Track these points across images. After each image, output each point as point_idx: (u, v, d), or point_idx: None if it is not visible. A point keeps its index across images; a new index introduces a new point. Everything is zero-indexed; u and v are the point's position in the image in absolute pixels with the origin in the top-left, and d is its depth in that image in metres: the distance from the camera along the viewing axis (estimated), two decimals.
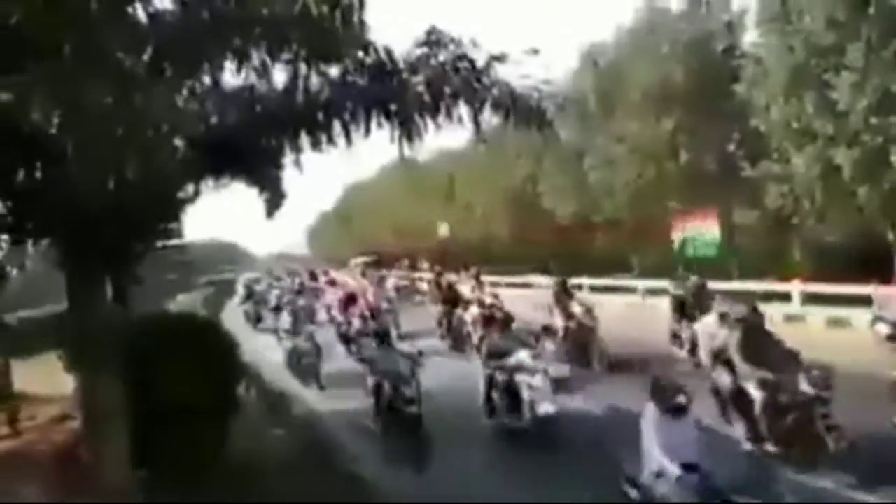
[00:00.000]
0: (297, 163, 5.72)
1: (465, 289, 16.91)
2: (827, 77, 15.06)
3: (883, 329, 11.87)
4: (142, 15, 4.34)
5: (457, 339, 15.19)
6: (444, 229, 35.69)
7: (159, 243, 8.98)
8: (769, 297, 15.70)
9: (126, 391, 5.28)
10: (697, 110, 20.74)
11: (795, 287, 16.43)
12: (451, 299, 16.33)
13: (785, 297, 16.27)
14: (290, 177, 7.35)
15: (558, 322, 12.58)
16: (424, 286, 26.38)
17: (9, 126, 4.50)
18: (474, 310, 14.66)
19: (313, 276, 30.16)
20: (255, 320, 23.12)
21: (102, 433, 5.08)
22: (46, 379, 12.70)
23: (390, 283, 24.90)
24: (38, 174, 4.85)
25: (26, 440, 10.18)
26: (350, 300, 17.10)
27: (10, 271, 11.58)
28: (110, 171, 4.71)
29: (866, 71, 14.15)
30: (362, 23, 5.01)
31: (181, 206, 7.85)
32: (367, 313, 15.93)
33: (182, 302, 26.18)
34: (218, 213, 20.29)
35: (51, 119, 4.32)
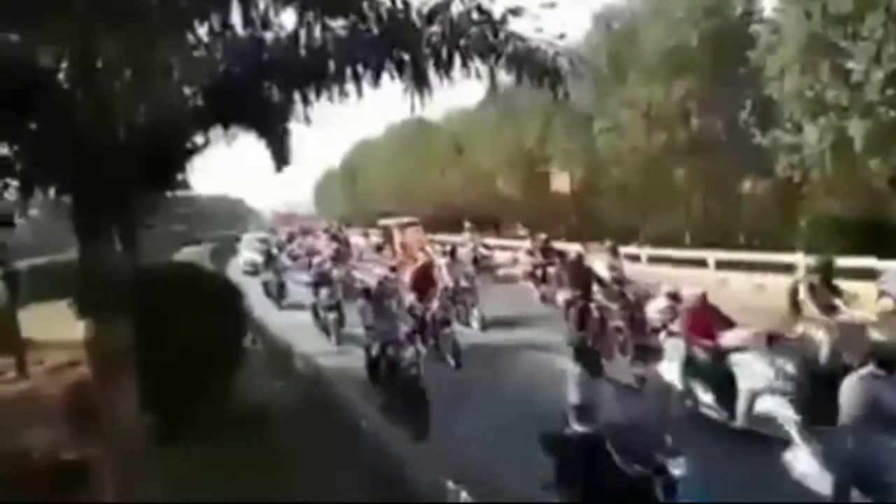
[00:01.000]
0: (306, 116, 5.66)
1: (600, 267, 12.74)
2: (844, 45, 14.78)
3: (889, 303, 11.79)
4: None
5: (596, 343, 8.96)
6: (562, 181, 28.28)
7: (166, 193, 9.04)
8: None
9: (135, 338, 5.34)
10: (710, 76, 20.44)
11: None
12: (585, 282, 11.11)
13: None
14: (296, 133, 7.32)
15: None
16: (522, 258, 19.43)
17: (17, 67, 4.47)
18: (661, 302, 9.47)
19: (335, 239, 25.70)
20: (279, 295, 19.17)
21: (113, 378, 5.15)
22: (54, 326, 12.88)
23: (463, 253, 18.94)
24: (46, 118, 4.81)
25: (34, 384, 10.39)
26: (423, 277, 13.22)
27: (19, 218, 11.71)
28: (120, 115, 4.69)
29: (884, 41, 13.88)
30: None
31: (189, 157, 7.85)
32: (446, 297, 13.02)
33: (188, 254, 26.38)
34: (224, 169, 20.01)
35: (60, 61, 4.29)
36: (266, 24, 4.91)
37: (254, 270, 23.44)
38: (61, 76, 4.35)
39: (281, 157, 7.26)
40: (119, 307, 5.50)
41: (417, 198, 40.40)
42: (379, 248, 26.06)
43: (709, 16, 19.68)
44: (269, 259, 21.19)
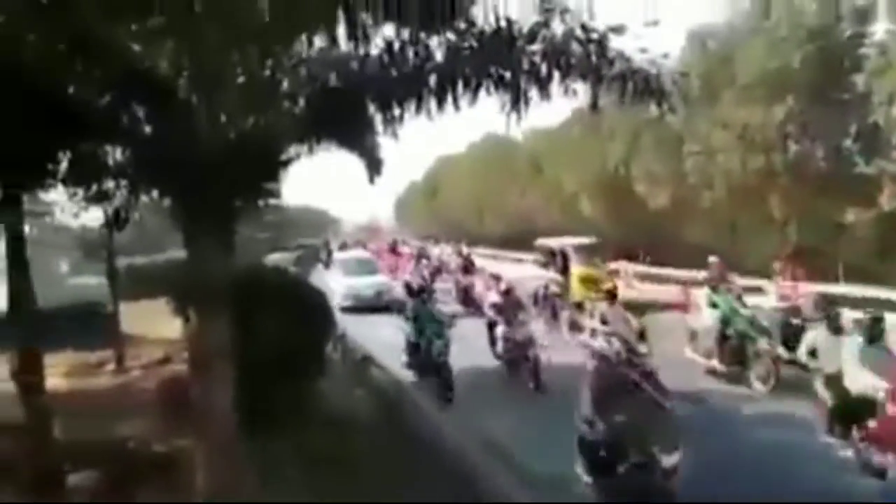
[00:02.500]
0: (394, 132, 5.77)
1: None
2: None
3: None
4: None
5: None
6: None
7: (259, 202, 9.42)
8: None
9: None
10: (813, 100, 19.48)
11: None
12: None
13: None
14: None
15: None
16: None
17: (136, 76, 4.78)
18: None
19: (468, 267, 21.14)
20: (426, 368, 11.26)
21: (210, 375, 5.39)
22: (150, 323, 13.62)
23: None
24: (162, 124, 5.11)
25: (132, 378, 10.99)
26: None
27: (127, 218, 12.47)
28: (229, 125, 4.94)
29: None
30: None
31: (284, 167, 8.16)
32: None
33: (274, 261, 27.25)
34: (308, 179, 21.04)
35: (179, 70, 4.56)
36: (368, 40, 5.05)
37: (356, 306, 19.60)
38: (180, 85, 4.61)
39: (373, 168, 7.44)
40: (218, 307, 5.76)
41: (497, 215, 40.42)
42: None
43: (814, 37, 18.79)
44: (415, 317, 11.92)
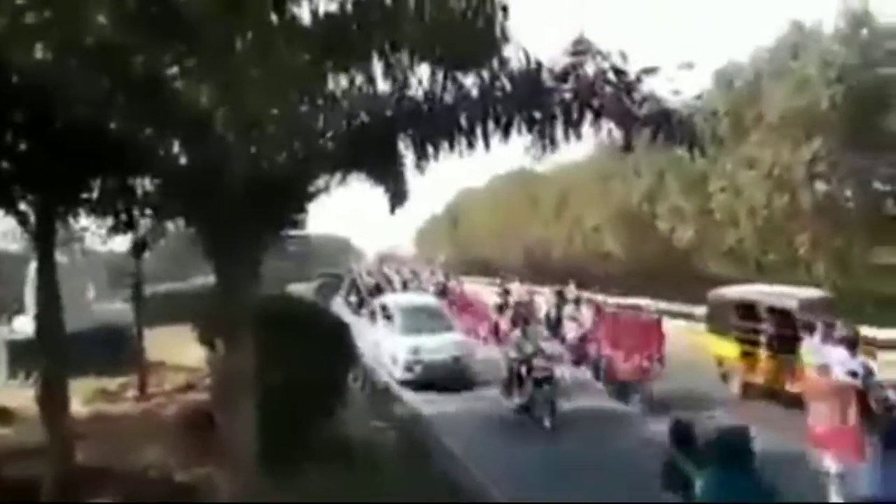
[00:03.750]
0: (421, 166, 5.82)
1: None
2: None
3: None
4: (305, 15, 4.55)
5: None
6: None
7: (285, 232, 9.51)
8: None
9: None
10: (842, 140, 19.31)
11: None
12: None
13: None
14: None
15: None
16: None
17: (176, 112, 4.89)
18: None
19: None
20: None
21: (234, 403, 5.40)
22: (173, 349, 13.71)
23: None
24: (198, 156, 5.21)
25: (154, 404, 11.01)
26: None
27: (152, 246, 12.67)
28: (262, 158, 5.02)
29: None
30: (504, 30, 5.07)
31: (311, 199, 8.25)
32: None
33: (295, 290, 27.38)
34: (330, 208, 20.69)
35: (217, 106, 4.65)
36: (405, 79, 5.14)
37: (426, 380, 13.68)
38: (216, 120, 4.70)
39: (397, 199, 7.47)
40: (244, 336, 5.79)
41: (518, 247, 40.38)
42: None
43: (844, 77, 18.69)
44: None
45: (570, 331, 16.60)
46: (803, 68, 19.60)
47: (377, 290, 27.24)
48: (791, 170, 19.98)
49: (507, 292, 23.22)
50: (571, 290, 21.83)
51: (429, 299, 19.71)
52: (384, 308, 16.75)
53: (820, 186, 20.17)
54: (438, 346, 14.23)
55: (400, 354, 14.29)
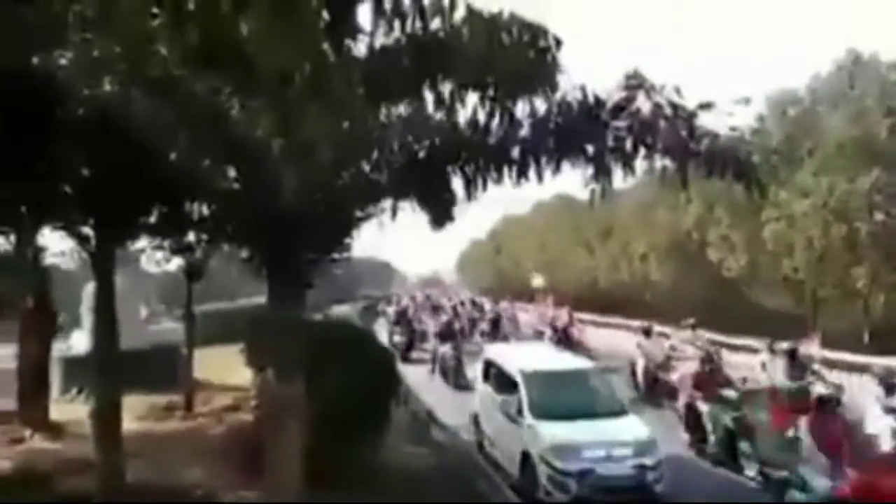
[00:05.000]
0: (471, 195, 5.82)
1: None
2: None
3: None
4: (360, 49, 4.64)
5: None
6: None
7: (332, 256, 9.64)
8: None
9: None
10: None
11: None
12: None
13: None
14: None
15: None
16: None
17: (235, 143, 5.04)
18: None
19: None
20: None
21: (282, 426, 5.45)
22: (218, 370, 13.95)
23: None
24: (253, 184, 5.34)
25: (200, 423, 11.18)
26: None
27: (206, 267, 12.98)
28: (316, 185, 5.11)
29: None
30: (557, 62, 5.07)
31: (359, 224, 8.34)
32: None
33: (338, 312, 27.63)
34: (371, 231, 20.06)
35: (272, 139, 4.78)
36: (454, 109, 5.18)
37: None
38: (273, 150, 4.82)
39: (441, 221, 7.46)
40: (293, 359, 5.86)
41: (562, 275, 39.99)
42: None
43: None
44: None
45: None
46: (861, 97, 19.12)
47: (448, 331, 18.80)
48: (849, 199, 19.41)
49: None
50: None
51: (578, 361, 11.92)
52: (491, 368, 11.18)
53: (878, 216, 19.54)
54: (608, 442, 8.70)
55: (537, 457, 8.70)
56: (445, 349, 17.79)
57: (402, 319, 24.00)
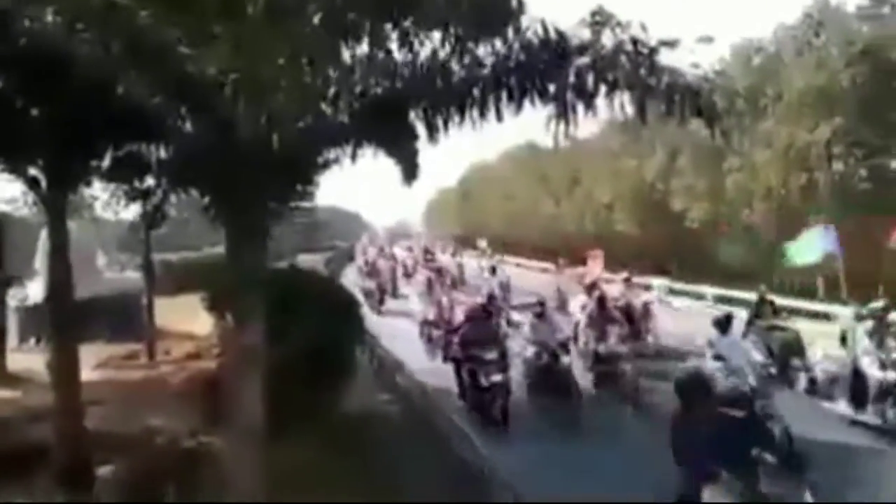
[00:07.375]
0: (433, 138, 5.71)
1: None
2: None
3: None
4: None
5: None
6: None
7: (293, 203, 9.45)
8: None
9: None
10: (861, 120, 18.96)
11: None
12: None
13: None
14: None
15: None
16: None
17: (186, 79, 4.81)
18: None
19: None
20: None
21: (243, 373, 5.41)
22: (181, 318, 13.78)
23: None
24: (206, 126, 5.15)
25: (162, 371, 11.10)
26: None
27: (164, 215, 12.69)
28: (273, 129, 4.94)
29: None
30: (521, 1, 4.94)
31: (321, 170, 8.16)
32: None
33: (304, 262, 27.31)
34: (338, 181, 19.57)
35: (228, 74, 4.57)
36: (414, 48, 5.03)
37: None
38: (227, 88, 4.61)
39: (410, 173, 7.38)
40: (254, 306, 5.77)
41: (529, 224, 40.15)
42: None
43: (865, 57, 18.28)
44: None
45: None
46: (825, 45, 19.23)
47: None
48: (809, 149, 19.72)
49: None
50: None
51: None
52: None
53: (837, 166, 19.93)
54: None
55: None
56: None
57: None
